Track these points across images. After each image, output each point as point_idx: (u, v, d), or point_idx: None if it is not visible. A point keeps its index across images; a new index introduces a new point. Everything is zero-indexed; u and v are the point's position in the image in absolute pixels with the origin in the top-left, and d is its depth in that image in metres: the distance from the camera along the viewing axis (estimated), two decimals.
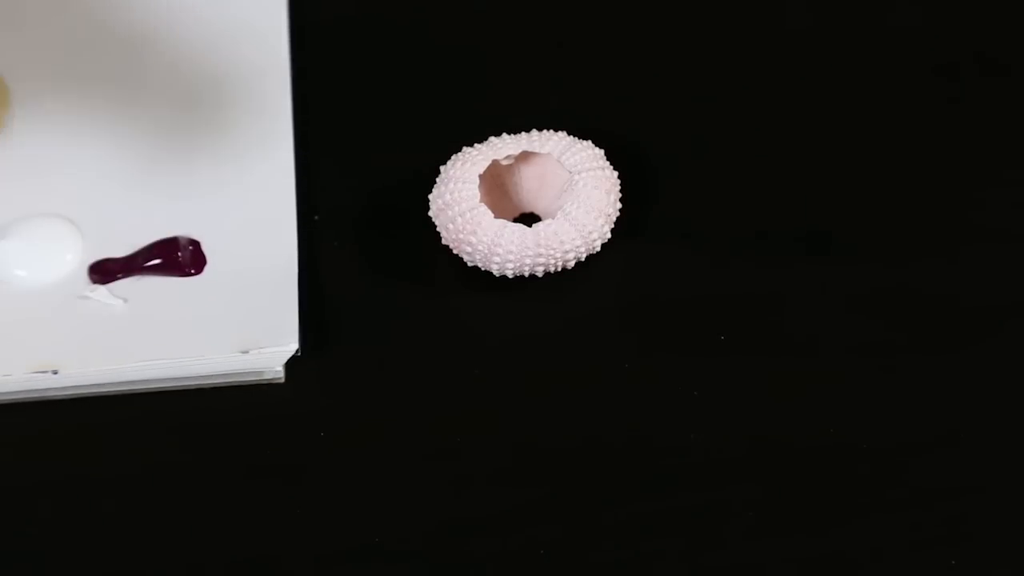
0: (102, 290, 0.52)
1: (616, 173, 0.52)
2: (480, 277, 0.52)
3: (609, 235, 0.52)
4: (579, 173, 0.51)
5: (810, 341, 0.51)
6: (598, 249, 0.52)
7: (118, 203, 0.54)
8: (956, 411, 0.49)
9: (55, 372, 0.50)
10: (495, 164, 0.52)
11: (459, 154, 0.53)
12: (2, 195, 0.54)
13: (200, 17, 0.59)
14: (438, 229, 0.52)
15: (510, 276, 0.52)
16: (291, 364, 0.50)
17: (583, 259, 0.52)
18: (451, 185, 0.51)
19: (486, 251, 0.51)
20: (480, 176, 0.51)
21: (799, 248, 0.53)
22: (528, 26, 0.60)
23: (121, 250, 0.53)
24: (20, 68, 0.57)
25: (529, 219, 0.54)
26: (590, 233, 0.51)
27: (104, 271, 0.52)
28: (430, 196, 0.52)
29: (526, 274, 0.52)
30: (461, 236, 0.51)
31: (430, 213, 0.52)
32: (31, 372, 0.50)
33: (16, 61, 0.57)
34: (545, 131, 0.53)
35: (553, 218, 0.51)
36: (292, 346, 0.50)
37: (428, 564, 0.47)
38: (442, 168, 0.52)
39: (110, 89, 0.57)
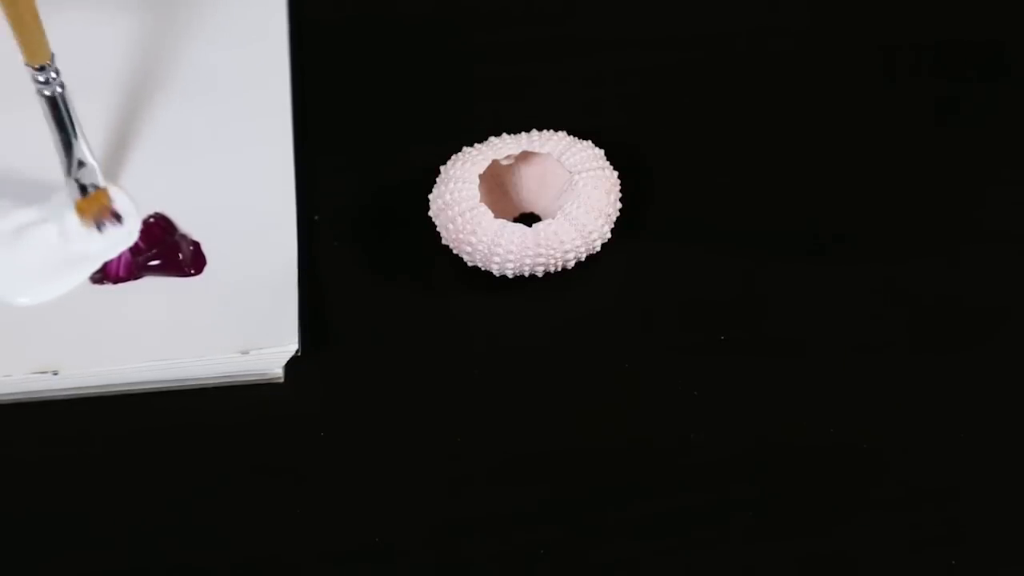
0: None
1: (616, 173, 0.52)
2: (480, 277, 0.52)
3: (609, 235, 0.52)
4: (579, 173, 0.52)
5: (810, 341, 0.51)
6: (598, 249, 0.52)
7: (117, 202, 0.54)
8: (956, 411, 0.49)
9: (55, 373, 0.50)
10: (495, 164, 0.52)
11: (459, 154, 0.53)
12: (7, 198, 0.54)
13: (200, 17, 0.59)
14: (438, 229, 0.52)
15: (510, 276, 0.52)
16: (291, 364, 0.50)
17: (583, 259, 0.52)
18: (451, 185, 0.51)
19: (486, 251, 0.51)
20: (480, 176, 0.51)
21: (799, 248, 0.53)
22: (528, 26, 0.60)
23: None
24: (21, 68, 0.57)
25: (529, 219, 0.54)
26: (590, 233, 0.51)
27: (105, 271, 0.52)
28: (430, 196, 0.52)
29: (526, 274, 0.52)
30: (461, 236, 0.51)
31: (430, 213, 0.52)
32: (31, 373, 0.50)
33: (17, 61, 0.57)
34: (545, 131, 0.53)
35: (553, 218, 0.51)
36: (292, 347, 0.50)
37: (428, 564, 0.47)
38: (442, 168, 0.52)
39: (109, 90, 0.57)
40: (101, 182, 0.53)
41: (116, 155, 0.55)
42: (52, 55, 0.50)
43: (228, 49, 0.58)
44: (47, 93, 0.50)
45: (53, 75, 0.50)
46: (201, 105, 0.57)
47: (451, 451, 0.49)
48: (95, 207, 0.53)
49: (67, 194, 0.53)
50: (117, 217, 0.53)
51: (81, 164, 0.52)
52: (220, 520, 0.48)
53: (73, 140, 0.51)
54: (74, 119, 0.51)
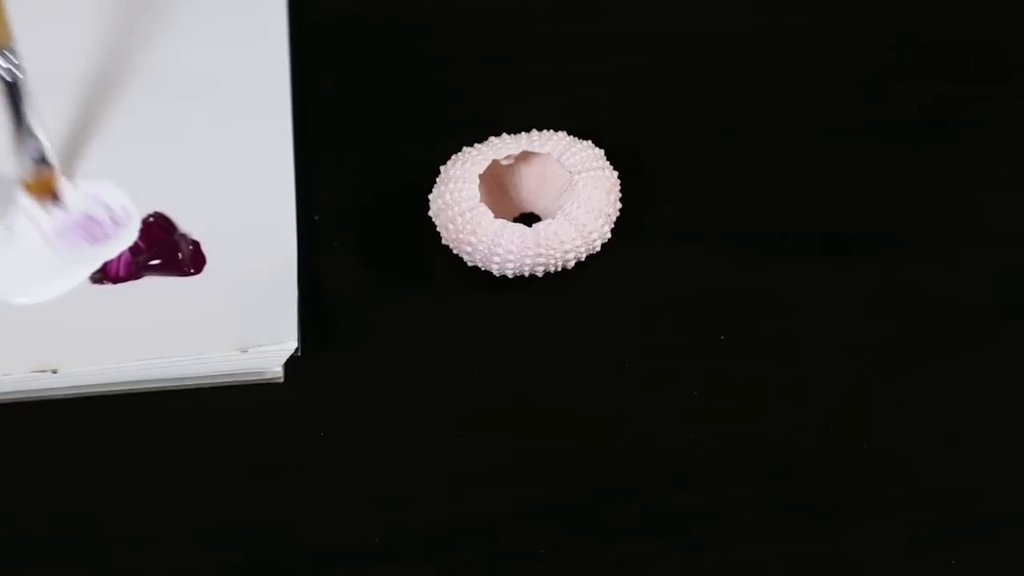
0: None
1: (616, 173, 0.52)
2: (480, 277, 0.52)
3: (609, 235, 0.52)
4: (579, 173, 0.52)
5: (810, 341, 0.51)
6: (598, 249, 0.52)
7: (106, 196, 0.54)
8: (956, 411, 0.49)
9: (54, 372, 0.50)
10: (495, 164, 0.52)
11: (459, 154, 0.53)
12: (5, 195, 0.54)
13: (200, 17, 0.59)
14: (438, 229, 0.52)
15: (510, 276, 0.52)
16: (291, 364, 0.50)
17: (583, 259, 0.52)
18: (451, 185, 0.51)
19: (486, 251, 0.51)
20: (480, 176, 0.51)
21: (799, 248, 0.53)
22: (528, 26, 0.60)
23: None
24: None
25: (529, 219, 0.54)
26: (590, 233, 0.51)
27: (105, 271, 0.52)
28: (430, 196, 0.52)
29: (526, 274, 0.52)
30: (461, 236, 0.51)
31: (430, 213, 0.52)
32: (31, 371, 0.50)
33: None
34: (545, 131, 0.53)
35: (553, 218, 0.51)
36: (291, 345, 0.50)
37: (427, 564, 0.47)
38: (442, 168, 0.52)
39: (109, 90, 0.57)
40: (52, 163, 0.53)
41: (116, 154, 0.55)
42: (12, 39, 0.50)
43: (228, 49, 0.58)
44: (6, 78, 0.50)
45: (14, 60, 0.50)
46: (201, 105, 0.57)
47: (451, 451, 0.49)
48: (42, 188, 0.53)
49: (16, 172, 0.53)
50: (57, 199, 0.53)
51: (33, 147, 0.52)
52: (220, 520, 0.48)
53: (27, 125, 0.51)
54: (29, 106, 0.51)
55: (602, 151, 0.53)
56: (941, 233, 0.53)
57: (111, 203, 0.54)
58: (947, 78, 0.57)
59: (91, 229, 0.53)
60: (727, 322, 0.51)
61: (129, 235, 0.53)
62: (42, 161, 0.52)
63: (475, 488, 0.48)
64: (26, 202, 0.53)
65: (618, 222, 0.52)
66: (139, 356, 0.50)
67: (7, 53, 0.50)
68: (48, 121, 0.52)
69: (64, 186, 0.53)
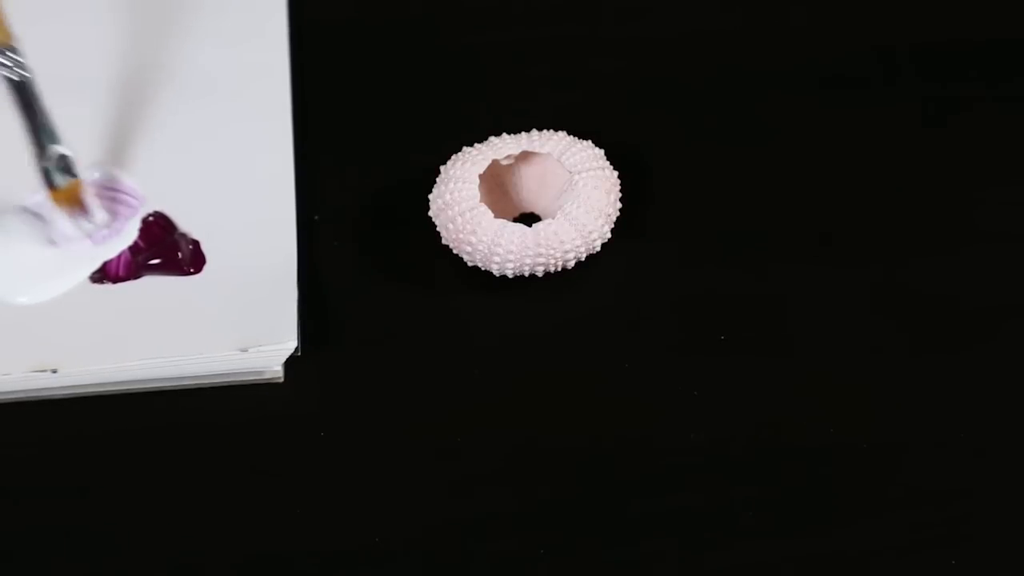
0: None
1: (616, 173, 0.53)
2: (480, 277, 0.52)
3: (609, 235, 0.52)
4: (579, 173, 0.52)
5: (810, 341, 0.51)
6: (598, 249, 0.52)
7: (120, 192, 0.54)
8: (956, 411, 0.49)
9: (54, 371, 0.50)
10: (495, 164, 0.52)
11: (459, 154, 0.53)
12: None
13: (200, 17, 0.59)
14: (438, 229, 0.52)
15: (510, 276, 0.52)
16: (291, 364, 0.50)
17: (583, 259, 0.52)
18: (451, 185, 0.51)
19: (486, 251, 0.51)
20: (480, 176, 0.51)
21: (799, 248, 0.53)
22: (528, 26, 0.60)
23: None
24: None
25: (529, 219, 0.54)
26: (590, 233, 0.51)
27: (104, 271, 0.52)
28: (430, 196, 0.52)
29: (526, 274, 0.52)
30: (461, 236, 0.51)
31: (430, 213, 0.52)
32: (30, 371, 0.50)
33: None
34: (545, 131, 0.53)
35: (553, 218, 0.51)
36: (291, 344, 0.50)
37: (428, 564, 0.47)
38: (442, 168, 0.52)
39: (109, 90, 0.57)
40: (76, 173, 0.52)
41: (116, 154, 0.55)
42: (13, 37, 0.49)
43: (228, 49, 0.58)
44: (12, 78, 0.49)
45: (17, 59, 0.49)
46: (201, 105, 0.57)
47: (451, 451, 0.49)
48: (69, 198, 0.52)
49: (41, 183, 0.52)
50: (84, 210, 0.52)
51: (53, 153, 0.51)
52: (220, 520, 0.48)
53: (45, 129, 0.50)
54: (43, 107, 0.50)
55: (602, 151, 0.53)
56: (941, 233, 0.53)
57: (123, 189, 0.54)
58: (947, 78, 0.57)
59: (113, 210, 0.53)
60: (727, 322, 0.51)
61: (129, 234, 0.53)
62: (65, 169, 0.51)
63: (475, 488, 0.48)
64: (57, 215, 0.52)
65: (618, 222, 0.52)
66: (139, 356, 0.50)
67: (9, 53, 0.49)
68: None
69: (90, 196, 0.53)
